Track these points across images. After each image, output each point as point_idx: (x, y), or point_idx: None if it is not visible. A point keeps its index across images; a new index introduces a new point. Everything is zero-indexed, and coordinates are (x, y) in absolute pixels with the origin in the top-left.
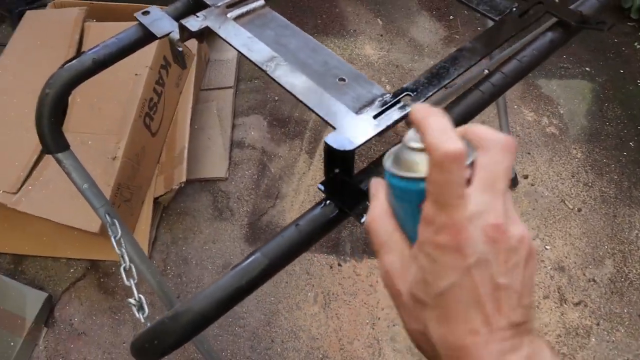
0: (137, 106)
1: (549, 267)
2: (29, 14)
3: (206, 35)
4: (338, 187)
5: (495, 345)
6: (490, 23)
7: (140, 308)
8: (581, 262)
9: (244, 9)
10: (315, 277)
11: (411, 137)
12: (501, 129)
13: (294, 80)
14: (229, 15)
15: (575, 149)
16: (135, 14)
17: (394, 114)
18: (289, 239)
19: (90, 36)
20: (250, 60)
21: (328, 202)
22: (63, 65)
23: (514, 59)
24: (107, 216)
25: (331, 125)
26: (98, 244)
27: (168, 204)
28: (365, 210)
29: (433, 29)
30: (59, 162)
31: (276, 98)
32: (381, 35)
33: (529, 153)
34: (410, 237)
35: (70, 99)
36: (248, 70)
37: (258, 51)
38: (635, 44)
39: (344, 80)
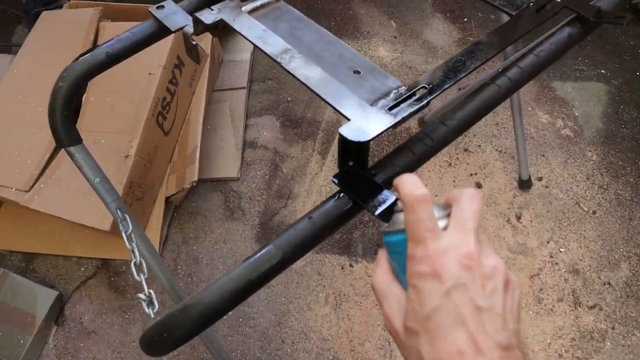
0: (150, 105)
1: (563, 270)
2: (45, 15)
3: (220, 28)
4: (352, 180)
5: None
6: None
7: (150, 303)
8: (596, 265)
9: (258, 3)
10: (327, 277)
11: (399, 203)
12: (515, 131)
13: (309, 73)
14: (243, 8)
15: (591, 151)
16: (149, 9)
17: (409, 107)
18: (302, 232)
19: (105, 36)
20: (265, 53)
21: (342, 194)
22: (77, 58)
23: (531, 53)
24: (118, 211)
25: (345, 117)
26: (109, 243)
27: (179, 203)
28: (380, 202)
29: (447, 31)
30: (71, 155)
31: (289, 99)
32: (395, 37)
33: (543, 155)
34: (406, 286)
35: (83, 97)
36: (261, 71)
37: (272, 44)
38: None
39: (358, 72)
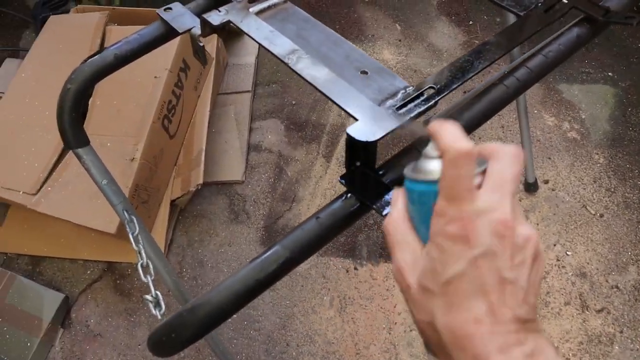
0: (156, 108)
1: (570, 274)
2: (52, 19)
3: (227, 29)
4: (359, 180)
5: (500, 337)
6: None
7: (157, 304)
8: (604, 268)
9: (265, 4)
10: (332, 280)
11: (428, 149)
12: (521, 133)
13: (316, 73)
14: (250, 10)
15: (598, 154)
16: (157, 11)
17: (417, 107)
18: (309, 232)
19: (112, 39)
20: (272, 53)
21: (349, 195)
22: (85, 60)
23: (540, 53)
24: (125, 213)
25: (353, 117)
26: (115, 246)
27: (185, 206)
28: (387, 203)
29: (452, 34)
30: (79, 157)
31: (293, 102)
32: (399, 40)
33: (549, 158)
34: (424, 239)
35: (90, 101)
36: (266, 75)
37: (280, 45)
38: None
39: (366, 73)
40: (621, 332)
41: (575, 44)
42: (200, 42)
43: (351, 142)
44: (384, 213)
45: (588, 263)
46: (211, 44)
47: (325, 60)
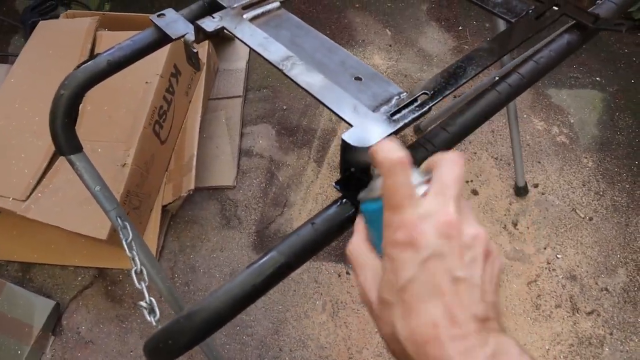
0: (147, 114)
1: (560, 277)
2: (42, 24)
3: (221, 36)
4: (354, 186)
5: (460, 339)
6: (502, 29)
7: (152, 311)
8: (593, 271)
9: (259, 11)
10: (324, 285)
11: (374, 169)
12: (511, 138)
13: (310, 80)
14: (244, 16)
15: (586, 158)
16: (150, 17)
17: (411, 113)
18: (304, 238)
19: (102, 45)
20: (267, 60)
21: (344, 200)
22: (78, 66)
23: (531, 59)
24: (118, 219)
25: (348, 123)
26: (105, 252)
27: (176, 211)
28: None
29: (442, 40)
30: (71, 164)
31: (284, 107)
32: (390, 46)
33: (539, 162)
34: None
35: (80, 107)
36: (257, 80)
37: (274, 51)
38: None
39: (360, 79)
40: (611, 334)
41: (565, 50)
42: (194, 48)
43: (346, 148)
44: None
45: (578, 266)
46: (202, 49)
47: (319, 66)
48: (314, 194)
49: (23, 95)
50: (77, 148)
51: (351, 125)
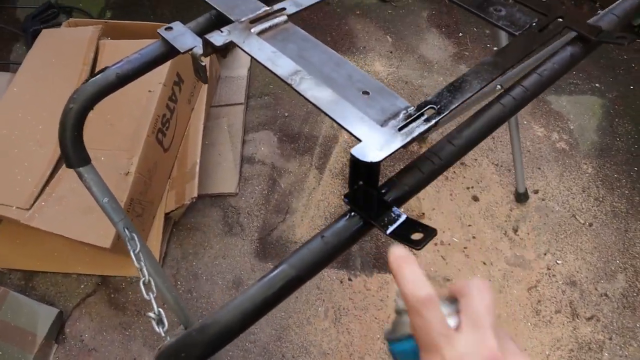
0: (150, 122)
1: (560, 282)
2: (44, 33)
3: (229, 49)
4: (362, 199)
5: None
6: (502, 38)
7: (160, 322)
8: (593, 276)
9: (266, 24)
10: (326, 292)
11: (398, 301)
12: (512, 144)
13: (319, 94)
14: (252, 30)
15: (586, 164)
16: (158, 30)
17: (419, 127)
18: (315, 251)
19: (105, 54)
20: (275, 74)
21: (353, 213)
22: (87, 80)
23: (534, 72)
24: (125, 230)
25: (357, 138)
26: (108, 260)
27: (178, 219)
28: (390, 221)
29: (442, 46)
30: (80, 176)
31: (286, 114)
32: (391, 52)
33: (539, 168)
34: None
35: None
36: (258, 87)
37: (282, 65)
38: None
39: (367, 93)
40: (610, 339)
41: (569, 62)
42: (202, 61)
43: (355, 162)
44: (388, 232)
45: (578, 271)
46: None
47: (327, 80)
48: (316, 200)
49: (26, 104)
50: (85, 160)
51: (360, 140)
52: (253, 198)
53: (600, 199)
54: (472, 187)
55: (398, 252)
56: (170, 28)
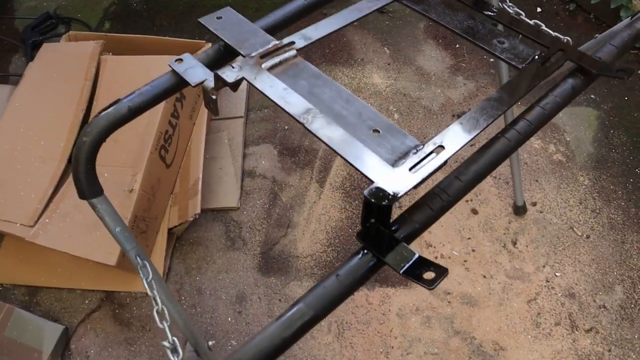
0: (153, 139)
1: (559, 294)
2: (46, 47)
3: (240, 85)
4: (374, 237)
5: None
6: (503, 66)
7: (174, 351)
8: (591, 288)
9: (277, 59)
10: None
11: None
12: (510, 158)
13: (331, 134)
14: (263, 65)
15: (583, 175)
16: (168, 63)
17: (429, 166)
18: (330, 289)
19: (107, 69)
20: (288, 113)
21: (366, 251)
22: (99, 113)
23: (537, 105)
24: (137, 258)
25: (370, 179)
26: (113, 275)
27: (181, 234)
28: (403, 259)
29: (439, 58)
30: (93, 207)
31: (286, 127)
32: (388, 64)
33: (536, 180)
34: None
35: None
36: (258, 100)
37: (294, 103)
38: None
39: (378, 131)
40: (609, 350)
41: (570, 94)
42: (213, 95)
43: (368, 202)
44: (401, 272)
45: (576, 284)
46: None
47: (338, 118)
48: (317, 214)
49: (28, 120)
50: (98, 192)
51: (372, 182)
52: (255, 212)
53: (597, 211)
54: (471, 200)
55: None
56: (180, 60)
